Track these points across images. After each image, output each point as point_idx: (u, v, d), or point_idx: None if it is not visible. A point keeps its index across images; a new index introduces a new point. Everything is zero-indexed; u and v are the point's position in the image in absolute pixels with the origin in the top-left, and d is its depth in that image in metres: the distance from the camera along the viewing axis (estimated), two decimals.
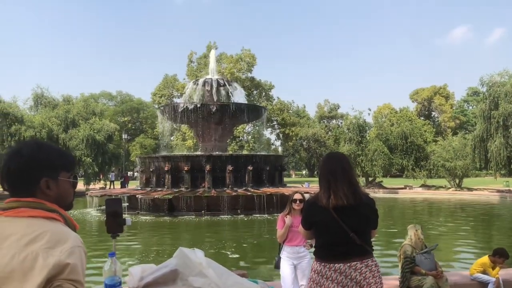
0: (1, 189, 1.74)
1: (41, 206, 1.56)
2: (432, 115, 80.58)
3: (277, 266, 5.36)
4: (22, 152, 1.61)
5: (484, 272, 6.38)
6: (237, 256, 10.28)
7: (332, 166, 3.07)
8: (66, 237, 1.48)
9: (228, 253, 10.55)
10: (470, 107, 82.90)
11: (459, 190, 33.86)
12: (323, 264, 2.99)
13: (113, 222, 2.90)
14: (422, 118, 73.87)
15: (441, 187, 36.03)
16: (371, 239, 3.08)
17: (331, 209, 2.93)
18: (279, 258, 5.33)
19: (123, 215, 3.06)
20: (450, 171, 35.26)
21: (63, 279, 1.40)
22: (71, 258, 1.43)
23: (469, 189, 33.91)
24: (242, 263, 9.54)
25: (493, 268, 6.35)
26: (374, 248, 3.10)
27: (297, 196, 5.28)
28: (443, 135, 57.96)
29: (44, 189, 1.60)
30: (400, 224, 15.79)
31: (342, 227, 2.92)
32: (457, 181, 35.85)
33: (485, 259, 6.48)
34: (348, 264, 2.91)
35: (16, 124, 33.87)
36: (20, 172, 1.59)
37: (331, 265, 2.95)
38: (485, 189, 33.75)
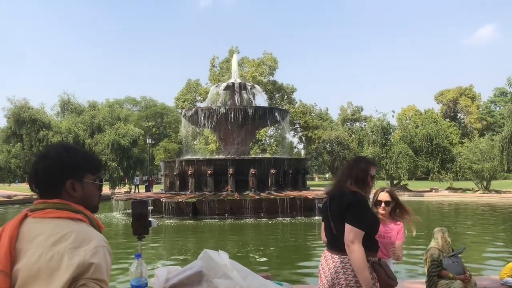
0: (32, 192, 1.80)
1: (67, 207, 1.60)
2: (458, 117, 79.05)
3: None
4: (49, 155, 1.66)
5: None
6: (264, 259, 10.26)
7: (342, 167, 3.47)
8: (91, 237, 1.52)
9: (256, 256, 10.55)
10: (498, 108, 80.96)
11: (487, 193, 33.09)
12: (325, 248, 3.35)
13: (139, 224, 2.94)
14: (448, 119, 72.61)
15: (468, 189, 35.25)
16: (349, 238, 2.95)
17: (328, 199, 3.30)
18: None
19: (149, 218, 3.10)
20: (477, 174, 34.50)
21: (87, 278, 1.44)
22: (95, 257, 1.47)
23: (497, 192, 33.10)
24: (268, 266, 9.52)
25: None
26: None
27: (384, 197, 3.93)
28: (470, 136, 56.76)
29: (70, 190, 1.64)
30: (426, 227, 15.51)
31: (328, 215, 3.22)
32: (484, 183, 35.06)
33: None
34: (330, 254, 3.15)
35: (43, 129, 34.71)
36: (47, 174, 1.64)
37: (325, 249, 3.28)
38: None
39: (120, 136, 37.14)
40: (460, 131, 65.92)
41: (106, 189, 34.02)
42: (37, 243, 1.49)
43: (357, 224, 2.96)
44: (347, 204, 3.05)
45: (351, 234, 2.94)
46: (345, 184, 3.17)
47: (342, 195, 3.13)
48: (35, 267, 1.44)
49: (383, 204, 3.87)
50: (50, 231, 1.51)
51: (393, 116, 65.95)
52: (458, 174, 37.76)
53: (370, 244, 3.07)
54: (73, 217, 1.58)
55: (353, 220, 2.97)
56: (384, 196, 3.89)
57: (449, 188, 37.15)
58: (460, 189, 36.01)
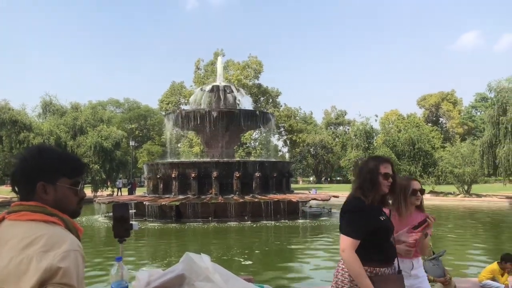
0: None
1: (42, 210, 1.57)
2: (440, 121, 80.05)
3: None
4: (24, 157, 1.65)
5: (493, 279, 6.32)
6: (248, 262, 10.24)
7: None
8: (63, 241, 1.49)
9: (241, 259, 10.53)
10: (478, 113, 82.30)
11: (467, 197, 33.57)
12: None
13: (120, 227, 2.92)
14: (430, 124, 73.46)
15: (450, 193, 35.75)
16: (340, 247, 2.84)
17: None
18: None
19: (130, 221, 3.08)
20: (459, 178, 35.00)
21: (55, 283, 1.40)
22: (64, 262, 1.43)
23: (478, 196, 33.62)
24: (251, 269, 9.51)
25: (502, 275, 6.29)
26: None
27: (418, 185, 3.54)
28: (451, 141, 57.58)
29: (40, 193, 1.61)
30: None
31: None
32: (465, 187, 35.58)
33: (494, 265, 6.42)
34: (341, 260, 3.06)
35: (24, 131, 34.10)
36: (21, 176, 1.63)
37: None
38: (494, 196, 33.44)
39: (103, 138, 36.75)
40: (442, 136, 66.72)
41: (88, 192, 33.64)
42: (10, 246, 1.46)
43: (348, 232, 2.83)
44: (342, 212, 2.96)
45: (342, 243, 2.83)
46: (352, 190, 3.05)
47: (346, 202, 3.04)
48: (5, 271, 1.41)
49: (418, 193, 3.49)
50: (23, 234, 1.48)
51: (376, 120, 66.63)
52: (440, 178, 38.27)
53: (374, 257, 2.85)
54: (48, 220, 1.55)
55: (344, 228, 2.86)
56: (417, 185, 3.51)
57: (431, 192, 37.58)
58: (441, 192, 36.47)
